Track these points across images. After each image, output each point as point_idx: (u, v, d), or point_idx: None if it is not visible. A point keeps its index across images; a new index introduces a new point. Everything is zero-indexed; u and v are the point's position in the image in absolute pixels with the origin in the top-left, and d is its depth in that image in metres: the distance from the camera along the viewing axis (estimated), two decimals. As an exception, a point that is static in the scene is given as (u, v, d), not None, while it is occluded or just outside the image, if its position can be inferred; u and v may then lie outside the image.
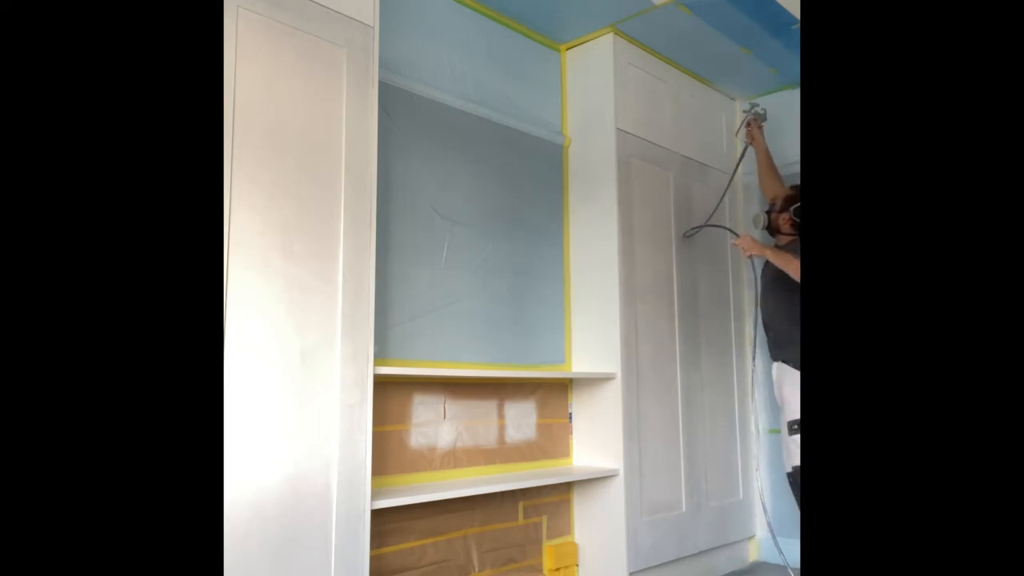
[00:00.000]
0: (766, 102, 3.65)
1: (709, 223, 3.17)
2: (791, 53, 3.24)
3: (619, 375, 2.81)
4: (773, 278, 2.87)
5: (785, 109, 3.55)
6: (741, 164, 3.33)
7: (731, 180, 3.29)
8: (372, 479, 1.98)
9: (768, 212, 2.98)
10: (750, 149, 3.27)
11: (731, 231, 3.16)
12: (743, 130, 3.26)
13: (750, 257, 2.85)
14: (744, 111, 3.30)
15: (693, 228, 3.19)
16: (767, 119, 3.25)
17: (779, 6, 2.84)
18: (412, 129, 2.52)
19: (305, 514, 1.79)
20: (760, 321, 3.06)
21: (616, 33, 3.01)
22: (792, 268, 2.65)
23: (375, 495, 2.01)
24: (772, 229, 2.99)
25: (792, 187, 2.99)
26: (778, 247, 2.93)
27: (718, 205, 3.25)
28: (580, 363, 2.96)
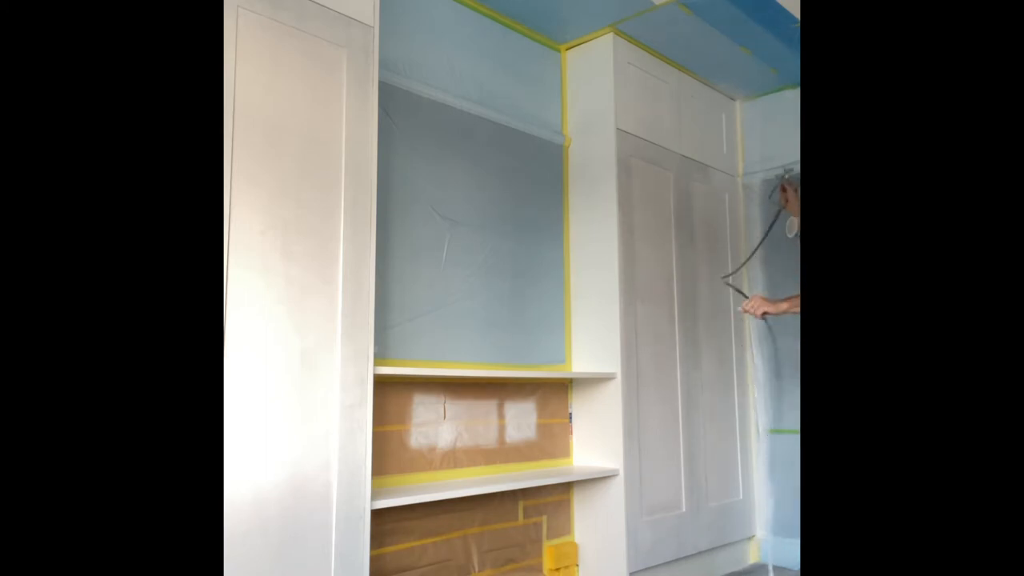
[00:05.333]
0: (766, 102, 3.65)
1: (735, 281, 3.04)
2: (791, 53, 3.24)
3: (619, 375, 2.81)
4: None
5: (785, 109, 3.55)
6: (773, 229, 3.15)
7: (759, 245, 3.12)
8: (372, 479, 1.98)
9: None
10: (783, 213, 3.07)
11: (742, 293, 3.01)
12: (777, 193, 3.03)
13: (764, 316, 2.66)
14: (778, 175, 3.16)
15: (726, 276, 3.14)
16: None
17: (779, 6, 2.84)
18: (412, 129, 2.52)
19: (305, 514, 1.79)
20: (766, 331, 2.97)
21: (616, 33, 3.01)
22: None
23: (375, 495, 2.01)
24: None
25: None
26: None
27: (747, 259, 3.14)
28: (580, 363, 2.96)
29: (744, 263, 3.13)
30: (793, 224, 2.88)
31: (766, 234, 3.13)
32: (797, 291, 2.70)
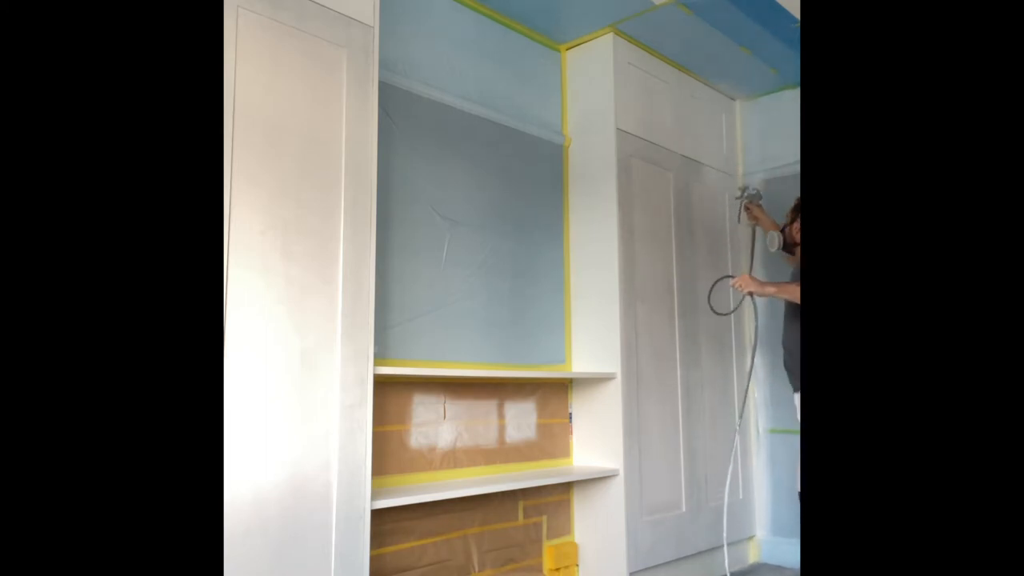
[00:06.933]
0: (766, 102, 3.65)
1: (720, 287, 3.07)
2: (791, 53, 3.24)
3: (619, 375, 2.81)
4: (793, 309, 2.77)
5: (785, 109, 3.55)
6: (756, 245, 3.17)
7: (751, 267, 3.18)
8: (372, 479, 1.98)
9: (782, 229, 2.91)
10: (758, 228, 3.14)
11: (729, 276, 3.06)
12: (743, 214, 3.12)
13: (750, 295, 2.74)
14: (736, 197, 3.17)
15: (719, 312, 3.17)
16: (762, 197, 3.12)
17: (779, 6, 2.84)
18: (412, 129, 2.52)
19: (305, 514, 1.79)
20: (781, 348, 2.99)
21: (616, 33, 3.01)
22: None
23: (375, 495, 2.01)
24: (788, 246, 2.89)
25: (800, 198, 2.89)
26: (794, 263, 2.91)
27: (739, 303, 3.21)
28: (580, 363, 2.96)
29: (741, 301, 3.18)
30: (774, 239, 2.90)
31: (752, 253, 3.14)
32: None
